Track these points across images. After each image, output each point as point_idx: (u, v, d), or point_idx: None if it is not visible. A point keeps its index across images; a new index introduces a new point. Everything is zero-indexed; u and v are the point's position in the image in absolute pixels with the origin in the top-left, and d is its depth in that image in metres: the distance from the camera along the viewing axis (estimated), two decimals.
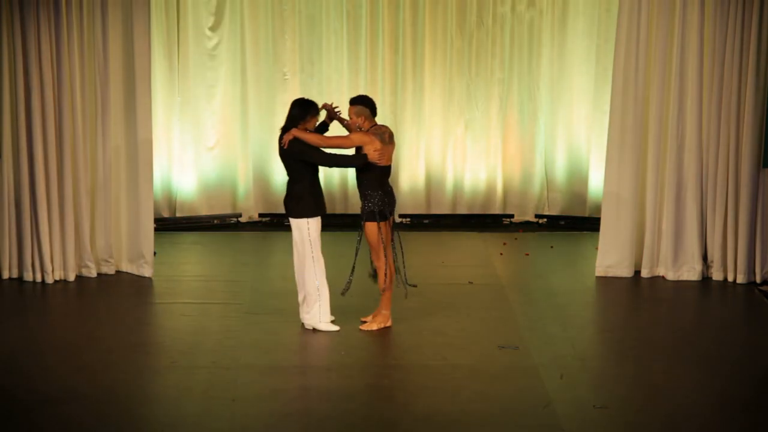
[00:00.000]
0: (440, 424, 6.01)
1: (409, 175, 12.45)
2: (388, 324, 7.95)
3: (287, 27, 12.17)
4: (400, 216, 12.46)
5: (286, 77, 12.27)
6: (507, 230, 12.02)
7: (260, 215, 12.48)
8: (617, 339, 7.82)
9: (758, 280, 9.29)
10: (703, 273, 9.50)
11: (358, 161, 7.83)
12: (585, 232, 11.69)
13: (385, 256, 7.92)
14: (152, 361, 7.24)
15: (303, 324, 7.92)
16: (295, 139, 7.68)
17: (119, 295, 8.82)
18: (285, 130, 7.81)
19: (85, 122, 9.31)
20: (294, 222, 7.94)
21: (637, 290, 9.26)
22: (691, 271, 9.47)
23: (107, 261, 9.56)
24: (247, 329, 7.92)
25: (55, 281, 9.23)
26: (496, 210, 12.48)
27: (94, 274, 9.43)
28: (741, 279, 9.31)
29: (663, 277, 9.55)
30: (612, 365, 7.21)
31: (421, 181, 12.47)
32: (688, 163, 9.42)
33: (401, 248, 8.15)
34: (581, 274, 9.73)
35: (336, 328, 7.89)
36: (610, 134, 9.59)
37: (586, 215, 12.11)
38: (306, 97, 8.00)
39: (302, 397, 6.42)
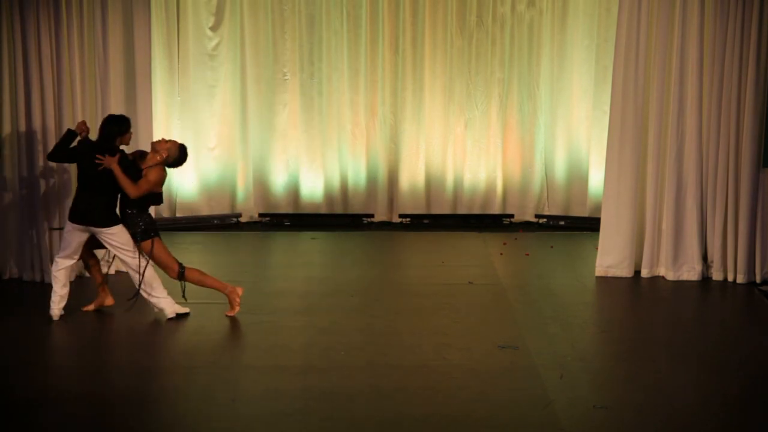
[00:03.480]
0: (440, 424, 6.01)
1: (409, 174, 12.45)
2: (239, 292, 8.21)
3: (287, 27, 12.18)
4: (400, 216, 12.47)
5: (286, 77, 12.27)
6: (507, 230, 12.02)
7: (260, 215, 12.49)
8: (617, 339, 7.81)
9: (758, 280, 9.29)
10: (703, 273, 9.50)
11: (158, 200, 8.15)
12: (585, 232, 11.70)
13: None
14: (152, 361, 7.24)
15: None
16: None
17: (119, 295, 8.79)
18: (100, 146, 7.94)
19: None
20: (112, 230, 7.99)
21: (637, 290, 9.25)
22: (691, 271, 9.47)
23: (107, 261, 9.55)
24: (247, 329, 7.92)
25: None
26: (496, 210, 12.49)
27: None
28: (741, 279, 9.31)
29: (663, 277, 9.55)
30: (612, 365, 7.20)
31: (420, 180, 12.48)
32: (688, 163, 9.42)
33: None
34: (581, 274, 9.73)
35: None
36: (610, 134, 9.59)
37: (586, 215, 12.12)
38: (119, 114, 8.22)
39: (302, 397, 6.42)
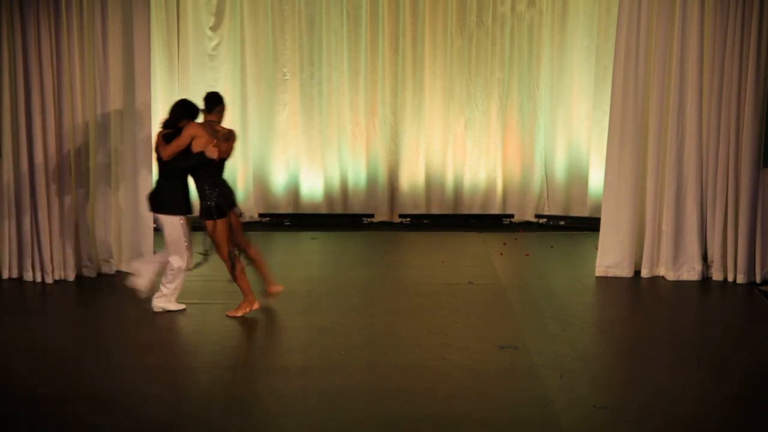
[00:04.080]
0: (440, 424, 6.01)
1: (409, 174, 12.45)
2: (255, 306, 8.20)
3: (287, 27, 12.18)
4: (400, 216, 12.47)
5: (286, 77, 12.27)
6: (507, 230, 12.02)
7: (260, 215, 12.48)
8: (617, 339, 7.81)
9: (758, 280, 9.29)
10: (703, 273, 9.50)
11: (196, 159, 7.94)
12: (585, 232, 11.70)
13: (231, 251, 8.13)
14: (152, 361, 7.23)
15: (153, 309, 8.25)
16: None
17: (119, 295, 8.81)
18: (164, 126, 8.10)
19: (85, 122, 9.31)
20: (168, 218, 8.09)
21: (637, 290, 9.25)
22: (691, 271, 9.47)
23: (107, 261, 9.56)
24: (247, 329, 7.92)
25: (55, 281, 9.24)
26: (496, 210, 12.48)
27: (94, 273, 9.44)
28: (741, 279, 9.31)
29: (663, 277, 9.55)
30: (612, 365, 7.21)
31: (420, 180, 12.48)
32: (688, 163, 9.42)
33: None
34: (581, 274, 9.73)
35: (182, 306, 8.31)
36: (610, 134, 9.59)
37: (586, 215, 12.12)
38: (191, 100, 8.23)
39: (302, 397, 6.42)
